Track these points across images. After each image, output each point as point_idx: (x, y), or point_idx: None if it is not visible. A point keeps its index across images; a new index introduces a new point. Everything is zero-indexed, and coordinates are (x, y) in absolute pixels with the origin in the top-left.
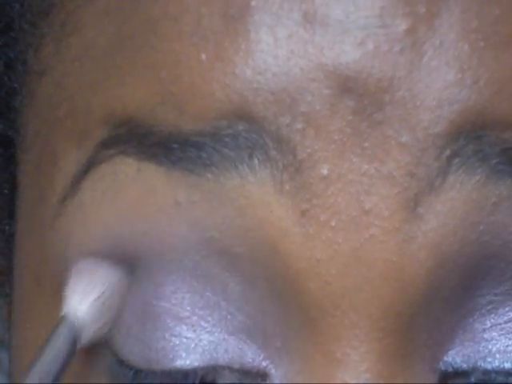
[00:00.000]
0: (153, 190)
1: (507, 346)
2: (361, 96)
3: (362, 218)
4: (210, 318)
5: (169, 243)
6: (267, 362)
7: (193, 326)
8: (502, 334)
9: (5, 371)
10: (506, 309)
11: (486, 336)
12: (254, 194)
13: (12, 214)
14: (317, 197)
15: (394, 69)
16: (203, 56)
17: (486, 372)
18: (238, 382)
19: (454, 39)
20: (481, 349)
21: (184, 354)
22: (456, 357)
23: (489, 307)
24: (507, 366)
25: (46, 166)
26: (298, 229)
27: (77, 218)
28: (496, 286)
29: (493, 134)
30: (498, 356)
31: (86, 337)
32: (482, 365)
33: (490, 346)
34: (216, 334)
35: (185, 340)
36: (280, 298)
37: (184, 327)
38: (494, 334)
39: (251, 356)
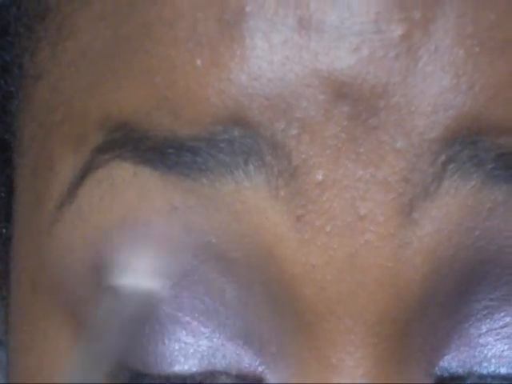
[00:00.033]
0: (149, 194)
1: (503, 351)
2: (356, 101)
3: (357, 224)
4: (209, 324)
5: (167, 247)
6: (263, 367)
7: (192, 331)
8: (498, 339)
9: (5, 371)
10: (502, 314)
11: (481, 341)
12: (250, 200)
13: (9, 218)
14: (312, 202)
15: (389, 74)
16: (198, 61)
17: (482, 377)
18: None
19: (449, 44)
20: (476, 354)
21: (183, 359)
22: (452, 362)
23: (484, 312)
24: (503, 371)
25: (43, 171)
26: (294, 234)
27: (75, 224)
28: (491, 292)
29: (488, 139)
30: (493, 361)
31: None
32: (478, 370)
33: (485, 351)
34: (215, 340)
35: (184, 345)
36: (275, 303)
37: (184, 332)
38: (490, 339)
39: (248, 361)
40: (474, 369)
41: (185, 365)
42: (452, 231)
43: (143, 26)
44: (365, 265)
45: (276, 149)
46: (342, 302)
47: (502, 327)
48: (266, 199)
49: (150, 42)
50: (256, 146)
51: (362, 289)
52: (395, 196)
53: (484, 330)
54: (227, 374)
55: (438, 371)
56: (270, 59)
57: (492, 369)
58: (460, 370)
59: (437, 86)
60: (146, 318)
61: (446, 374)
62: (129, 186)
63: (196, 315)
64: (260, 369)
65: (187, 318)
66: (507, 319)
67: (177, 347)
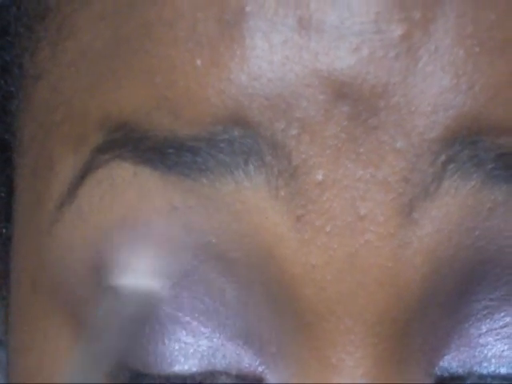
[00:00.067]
0: (149, 194)
1: (503, 351)
2: (356, 101)
3: (357, 224)
4: (209, 324)
5: (167, 247)
6: (263, 367)
7: (192, 331)
8: (498, 339)
9: (5, 371)
10: (502, 314)
11: (481, 341)
12: (250, 200)
13: (9, 217)
14: (312, 202)
15: (389, 74)
16: (198, 61)
17: (482, 377)
18: None
19: (449, 44)
20: (476, 354)
21: (183, 359)
22: (452, 362)
23: (484, 312)
24: (503, 370)
25: (43, 171)
26: (294, 234)
27: (75, 224)
28: (491, 291)
29: (488, 139)
30: (493, 361)
31: None
32: (478, 370)
33: (485, 351)
34: (215, 340)
35: (184, 345)
36: (275, 303)
37: (184, 332)
38: (490, 339)
39: (248, 361)
40: (474, 369)
41: (185, 365)
42: (452, 231)
43: (143, 26)
44: (365, 265)
45: (276, 149)
46: (342, 302)
47: (502, 327)
48: (266, 199)
49: (150, 42)
50: (256, 146)
51: (362, 289)
52: (395, 196)
53: (484, 330)
54: (227, 373)
55: (438, 371)
56: (270, 59)
57: (492, 369)
58: (460, 370)
59: (437, 86)
60: (145, 318)
61: (446, 374)
62: (129, 186)
63: (196, 315)
64: (260, 369)
65: (187, 318)
66: (507, 319)
67: (177, 347)
